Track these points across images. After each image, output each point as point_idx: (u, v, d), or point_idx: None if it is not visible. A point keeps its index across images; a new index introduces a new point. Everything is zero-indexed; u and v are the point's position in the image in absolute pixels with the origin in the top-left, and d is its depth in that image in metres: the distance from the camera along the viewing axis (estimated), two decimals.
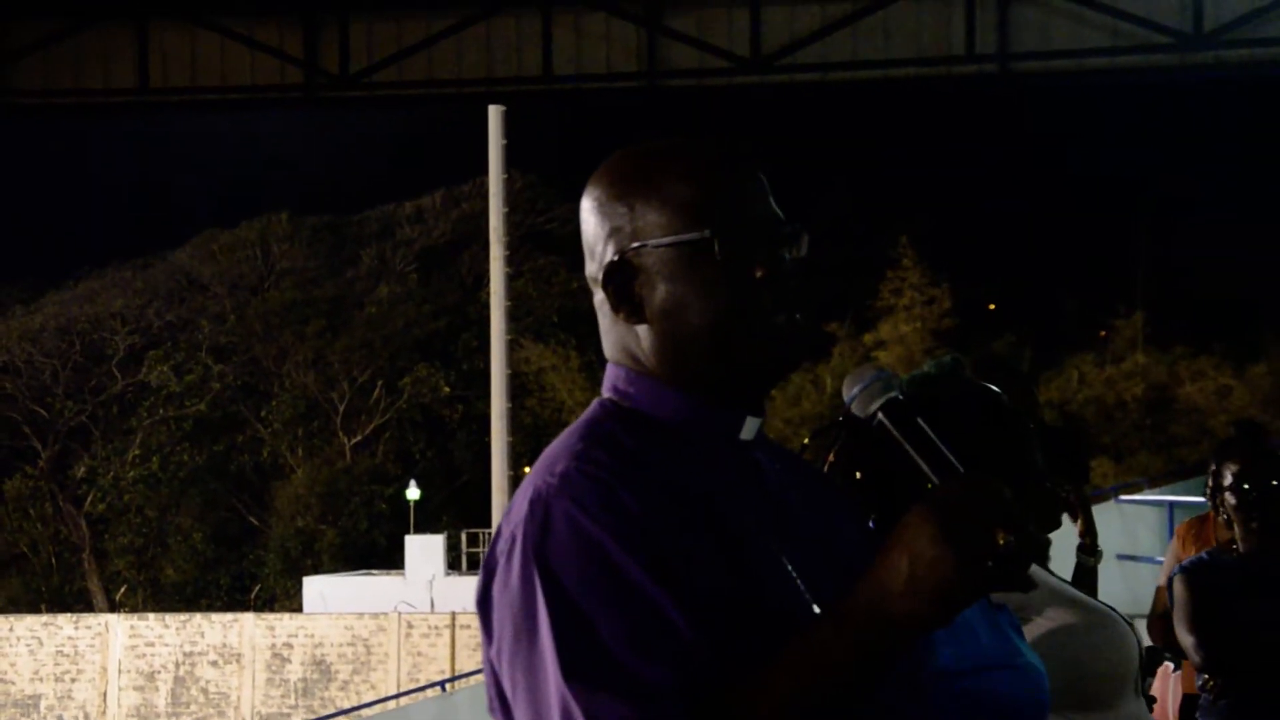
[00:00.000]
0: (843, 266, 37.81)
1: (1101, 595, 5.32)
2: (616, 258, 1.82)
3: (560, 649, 1.64)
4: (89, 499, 43.96)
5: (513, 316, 25.04)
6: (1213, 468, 5.01)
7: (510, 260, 24.61)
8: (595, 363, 40.27)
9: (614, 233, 1.83)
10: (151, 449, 43.79)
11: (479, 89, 13.64)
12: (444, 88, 13.51)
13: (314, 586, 36.01)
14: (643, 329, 1.81)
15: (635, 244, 1.81)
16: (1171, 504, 12.85)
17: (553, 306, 43.97)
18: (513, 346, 25.67)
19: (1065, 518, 3.65)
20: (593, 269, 1.86)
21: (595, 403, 1.86)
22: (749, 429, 1.84)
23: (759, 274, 1.79)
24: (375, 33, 13.47)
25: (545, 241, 44.84)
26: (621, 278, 1.82)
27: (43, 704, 33.21)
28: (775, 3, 12.93)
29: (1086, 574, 4.06)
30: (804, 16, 12.92)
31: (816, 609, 1.74)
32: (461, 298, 44.81)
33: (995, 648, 2.44)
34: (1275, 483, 4.30)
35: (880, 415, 1.77)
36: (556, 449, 1.78)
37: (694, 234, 1.79)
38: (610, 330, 1.86)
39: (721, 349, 1.79)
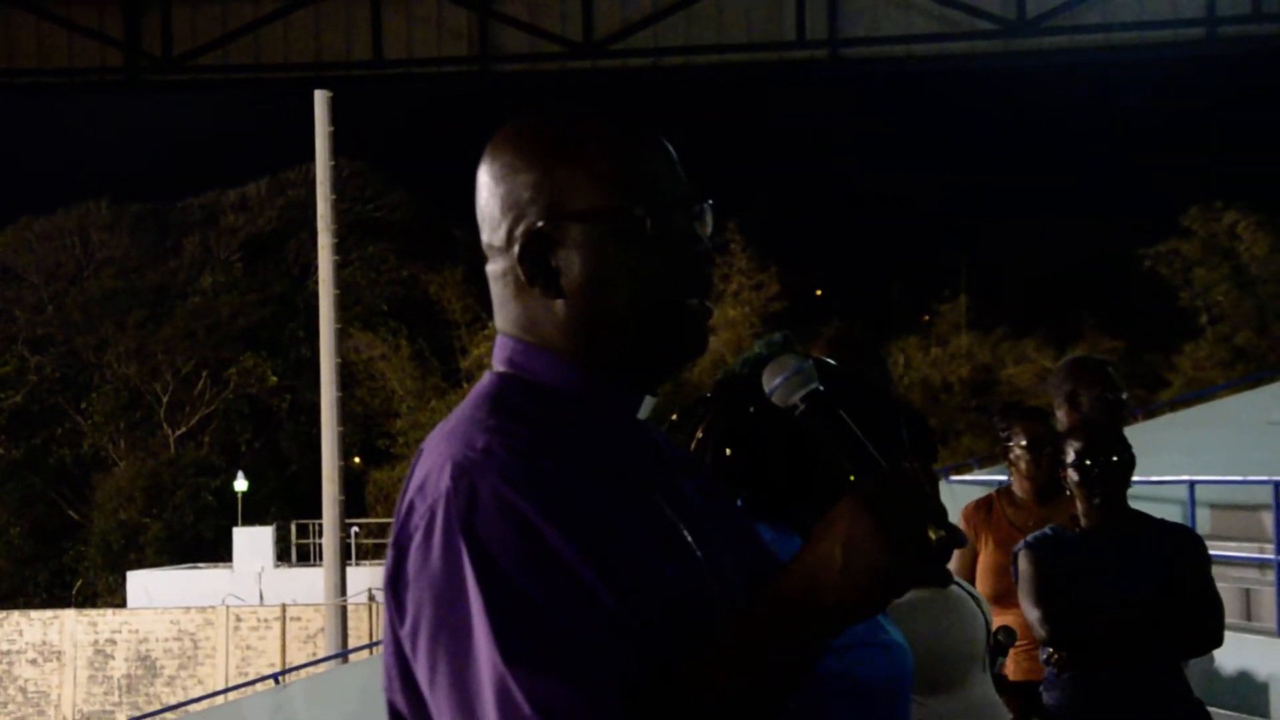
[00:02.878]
0: None
1: None
2: (536, 227, 1.75)
3: (495, 630, 1.58)
4: None
5: (341, 305, 24.78)
6: (1014, 440, 5.12)
7: (338, 248, 24.34)
8: (425, 351, 40.03)
9: (529, 203, 1.75)
10: None
11: (307, 73, 13.42)
12: (271, 72, 13.28)
13: (138, 581, 35.35)
14: (557, 303, 1.75)
15: (556, 214, 1.74)
16: (1000, 484, 13.08)
17: (382, 295, 43.59)
18: (342, 335, 25.41)
19: None
20: (496, 238, 1.79)
21: (490, 376, 1.80)
22: (645, 408, 1.81)
23: (678, 252, 1.76)
24: (200, 15, 13.20)
25: (374, 229, 44.45)
26: (539, 250, 1.75)
27: None
28: None
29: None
30: (636, 1, 12.93)
31: (716, 586, 1.73)
32: (289, 286, 44.26)
33: (860, 626, 2.43)
34: (1116, 459, 4.38)
35: (803, 407, 1.75)
36: (463, 424, 1.72)
37: (624, 208, 1.74)
38: (510, 302, 1.79)
39: (639, 327, 1.75)
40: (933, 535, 1.59)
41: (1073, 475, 4.40)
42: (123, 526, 41.47)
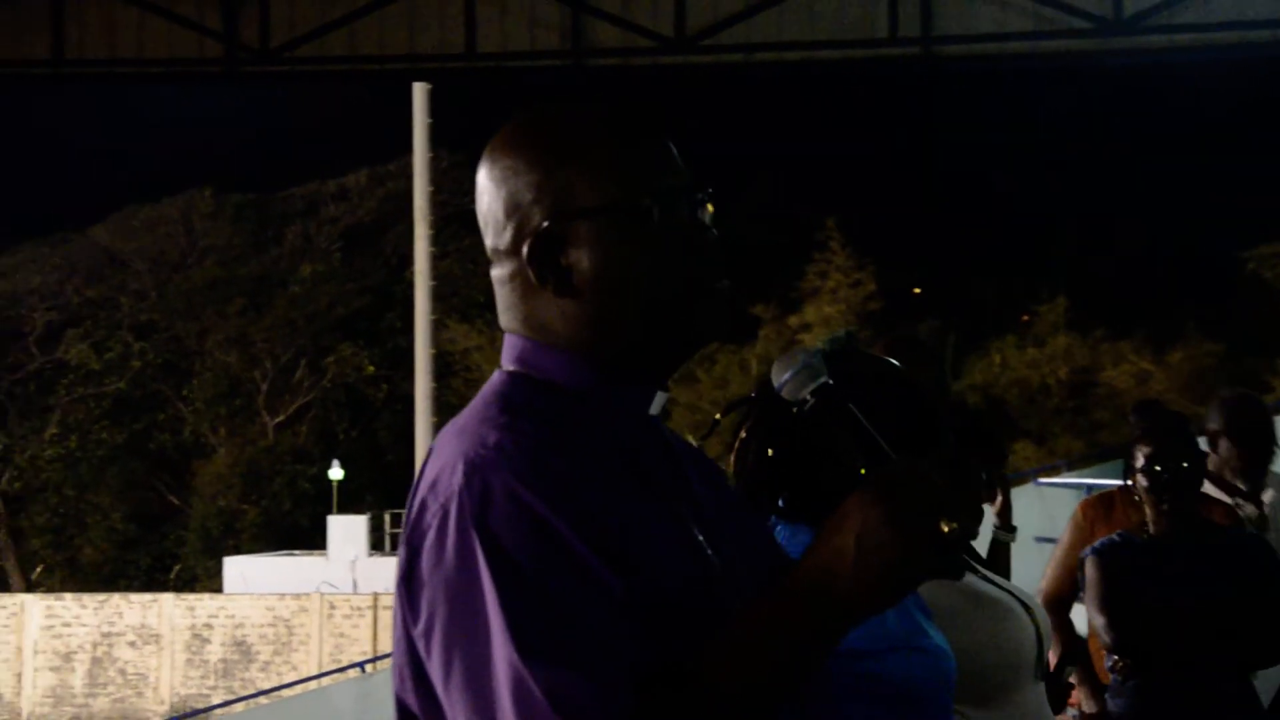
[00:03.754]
0: (769, 249, 37.90)
1: (1018, 577, 5.32)
2: (544, 228, 1.75)
3: (511, 625, 1.58)
4: (4, 478, 43.47)
5: (438, 296, 24.92)
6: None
7: (435, 240, 24.47)
8: None
9: (533, 203, 1.76)
10: (70, 427, 43.35)
11: (401, 65, 13.50)
12: (366, 64, 13.38)
13: (235, 567, 35.78)
14: (567, 302, 1.75)
15: (562, 214, 1.74)
16: (1090, 487, 12.96)
17: (478, 286, 43.77)
18: (438, 326, 25.55)
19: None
20: (501, 242, 1.79)
21: (500, 375, 1.80)
22: (657, 403, 1.81)
23: (687, 241, 1.76)
24: (297, 7, 13.31)
25: (471, 221, 44.33)
26: (548, 249, 1.75)
27: None
28: None
29: (1001, 550, 4.05)
30: None
31: (727, 580, 1.73)
32: (386, 277, 44.56)
33: (901, 629, 2.42)
34: (1186, 465, 4.32)
35: (813, 400, 1.74)
36: (474, 421, 1.72)
37: (630, 202, 1.74)
38: (519, 303, 1.79)
39: (654, 319, 1.75)
40: (945, 527, 1.59)
41: (1141, 481, 4.34)
42: (221, 513, 41.96)
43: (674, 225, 1.75)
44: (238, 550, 39.02)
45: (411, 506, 1.70)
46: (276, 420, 43.65)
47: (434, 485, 1.68)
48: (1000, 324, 39.02)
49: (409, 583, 1.68)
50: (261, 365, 43.84)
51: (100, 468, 43.39)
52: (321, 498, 41.50)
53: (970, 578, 2.95)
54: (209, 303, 44.62)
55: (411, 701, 1.70)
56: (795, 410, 1.78)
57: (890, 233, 41.36)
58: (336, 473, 41.35)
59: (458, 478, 1.66)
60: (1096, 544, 4.40)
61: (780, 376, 1.77)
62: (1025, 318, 39.44)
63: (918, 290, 44.75)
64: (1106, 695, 4.38)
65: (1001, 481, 4.24)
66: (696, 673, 1.61)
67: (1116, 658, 4.31)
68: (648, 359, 1.78)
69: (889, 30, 12.89)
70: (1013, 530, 4.07)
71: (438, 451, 1.71)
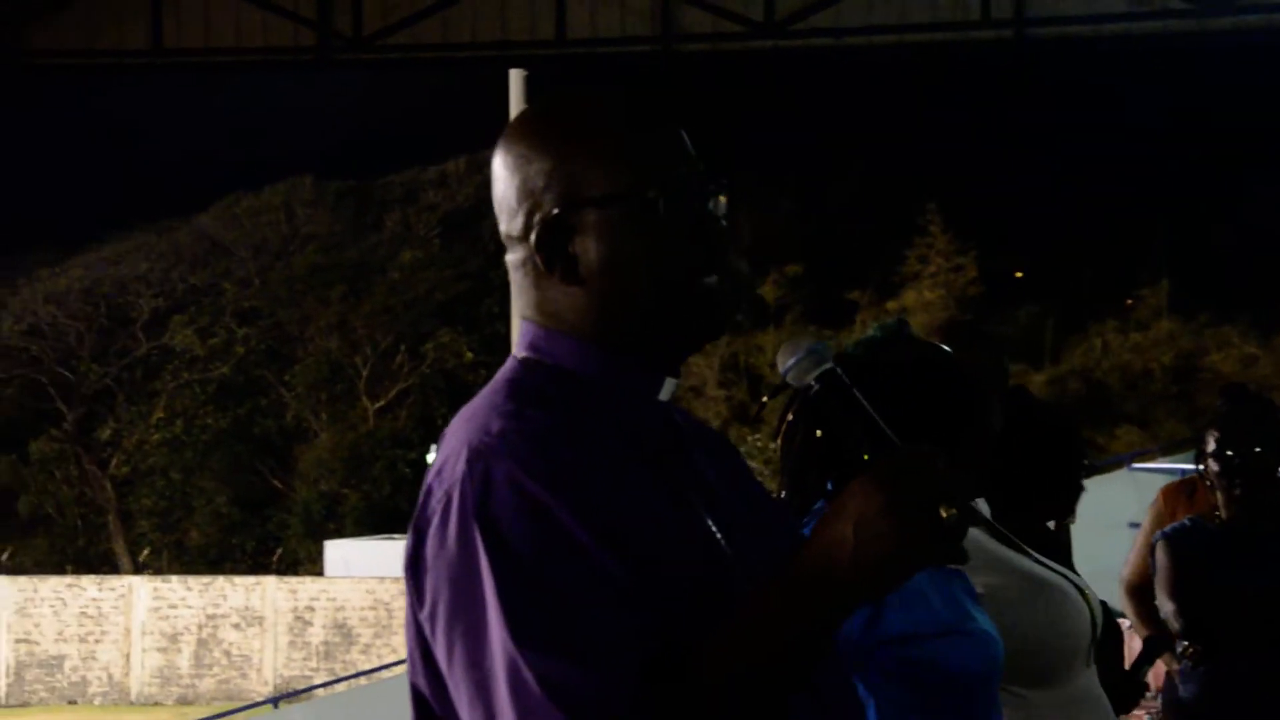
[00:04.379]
0: (866, 234, 37.69)
1: (1111, 562, 5.28)
2: (552, 215, 1.77)
3: (508, 613, 1.60)
4: (114, 461, 44.14)
5: None
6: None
7: None
8: None
9: (544, 190, 1.78)
10: (176, 412, 43.92)
11: (493, 53, 13.60)
12: (457, 51, 13.48)
13: (336, 550, 36.14)
14: (575, 289, 1.77)
15: (571, 201, 1.76)
16: (1183, 472, 12.78)
17: None
18: None
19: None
20: (513, 228, 1.81)
21: (512, 360, 1.83)
22: (666, 390, 1.82)
23: (694, 231, 1.76)
24: None
25: None
26: (556, 236, 1.77)
27: (67, 665, 33.42)
28: None
29: (1061, 538, 4.01)
30: None
31: (739, 567, 1.73)
32: (484, 263, 44.74)
33: (947, 614, 2.42)
34: (1258, 449, 4.26)
35: (816, 387, 1.75)
36: (482, 408, 1.74)
37: (637, 192, 1.75)
38: (531, 289, 1.81)
39: (659, 308, 1.76)
40: (944, 514, 1.59)
41: (1213, 466, 4.30)
42: (323, 497, 42.38)
43: (680, 216, 1.75)
44: (339, 534, 39.40)
45: (421, 492, 1.74)
46: (377, 405, 43.99)
47: (440, 472, 1.71)
48: (1102, 308, 38.58)
49: (415, 568, 1.70)
50: (362, 351, 44.18)
51: (205, 452, 43.93)
52: (421, 482, 41.68)
53: (1021, 559, 2.94)
54: (310, 289, 45.02)
55: (422, 685, 1.72)
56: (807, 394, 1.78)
57: (991, 216, 40.98)
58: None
59: (461, 465, 1.68)
60: (1167, 529, 4.36)
61: (785, 362, 1.77)
62: (1128, 302, 38.98)
63: (1019, 274, 44.33)
64: (1176, 680, 4.34)
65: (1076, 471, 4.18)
66: (699, 661, 1.61)
67: (1186, 643, 4.27)
68: (654, 347, 1.78)
69: (981, 12, 12.80)
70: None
71: (447, 438, 1.74)
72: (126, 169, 48.47)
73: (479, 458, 1.67)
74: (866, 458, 1.68)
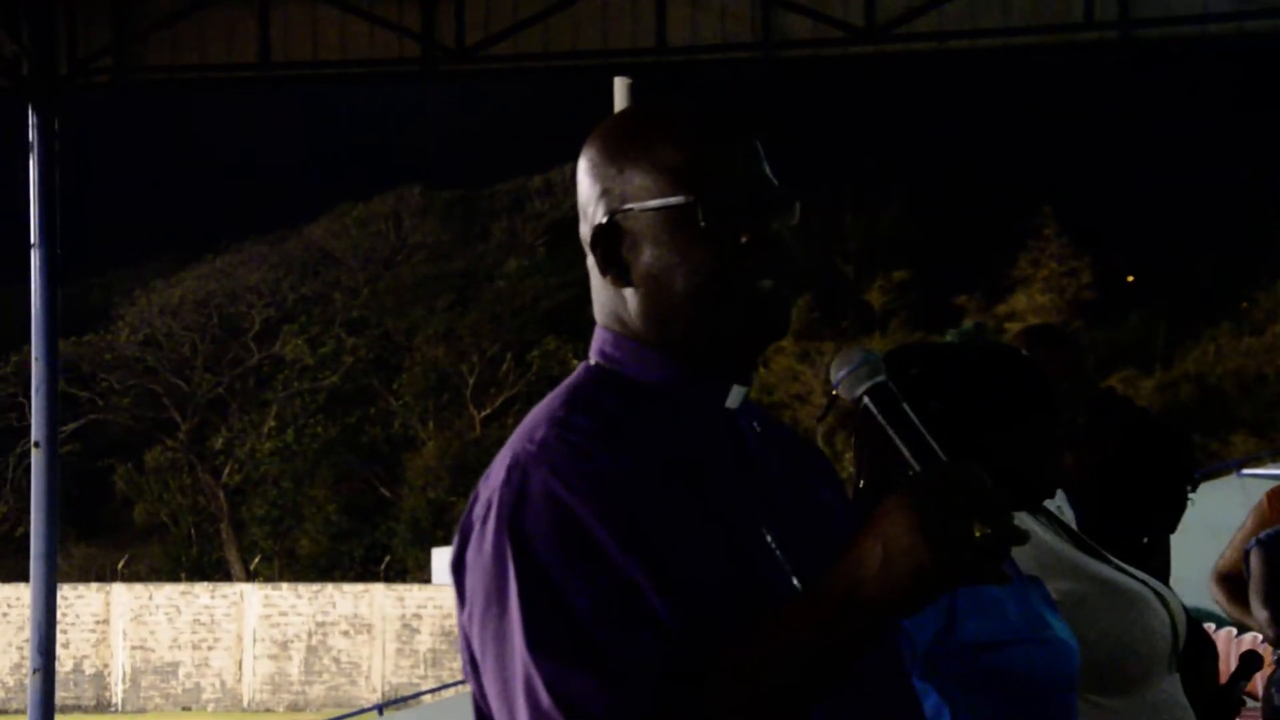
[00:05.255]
0: (973, 238, 37.42)
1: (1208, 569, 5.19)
2: (605, 220, 1.81)
3: (527, 622, 1.63)
4: (226, 470, 44.73)
5: None
6: None
7: None
8: None
9: (604, 195, 1.82)
10: (286, 421, 44.45)
11: (593, 61, 13.63)
12: (559, 60, 13.53)
13: (443, 558, 36.38)
14: (629, 292, 1.81)
15: (623, 207, 1.80)
16: None
17: None
18: None
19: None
20: (583, 231, 1.86)
21: (581, 366, 1.86)
22: (734, 397, 1.82)
23: (744, 240, 1.77)
24: (492, 5, 13.51)
25: None
26: (609, 240, 1.81)
27: (181, 671, 33.90)
28: None
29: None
30: None
31: (797, 583, 1.73)
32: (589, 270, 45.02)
33: (1022, 621, 2.40)
34: None
35: (866, 400, 1.74)
36: (539, 413, 1.78)
37: (677, 198, 1.77)
38: (599, 293, 1.85)
39: (702, 315, 1.78)
40: (978, 532, 1.56)
41: None
42: (430, 504, 42.70)
43: (722, 225, 1.77)
44: (446, 541, 39.60)
45: (474, 495, 1.76)
46: (483, 413, 44.27)
47: (487, 477, 1.75)
48: (1215, 312, 38.05)
49: (458, 571, 1.74)
50: (468, 359, 44.49)
51: (315, 461, 44.41)
52: None
53: (1099, 565, 2.90)
54: (418, 298, 45.42)
55: (472, 686, 1.76)
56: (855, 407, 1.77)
57: (1104, 219, 40.56)
58: None
59: (501, 473, 1.71)
60: (1262, 535, 4.29)
61: (837, 374, 1.76)
62: (1243, 305, 38.44)
63: (1131, 279, 43.84)
64: (1271, 688, 4.27)
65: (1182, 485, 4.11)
66: (722, 673, 1.61)
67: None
68: (707, 351, 1.80)
69: (1084, 14, 12.64)
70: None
71: (509, 442, 1.77)
72: (238, 182, 49.16)
73: (517, 465, 1.71)
74: (912, 474, 1.66)
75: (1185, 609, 2.94)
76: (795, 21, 12.99)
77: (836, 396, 1.78)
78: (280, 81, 14.79)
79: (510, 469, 1.71)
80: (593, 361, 1.85)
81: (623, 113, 1.91)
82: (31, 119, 13.79)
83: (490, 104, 44.21)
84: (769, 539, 1.75)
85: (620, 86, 23.16)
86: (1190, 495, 3.87)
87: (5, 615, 33.49)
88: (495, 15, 13.64)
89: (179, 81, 14.83)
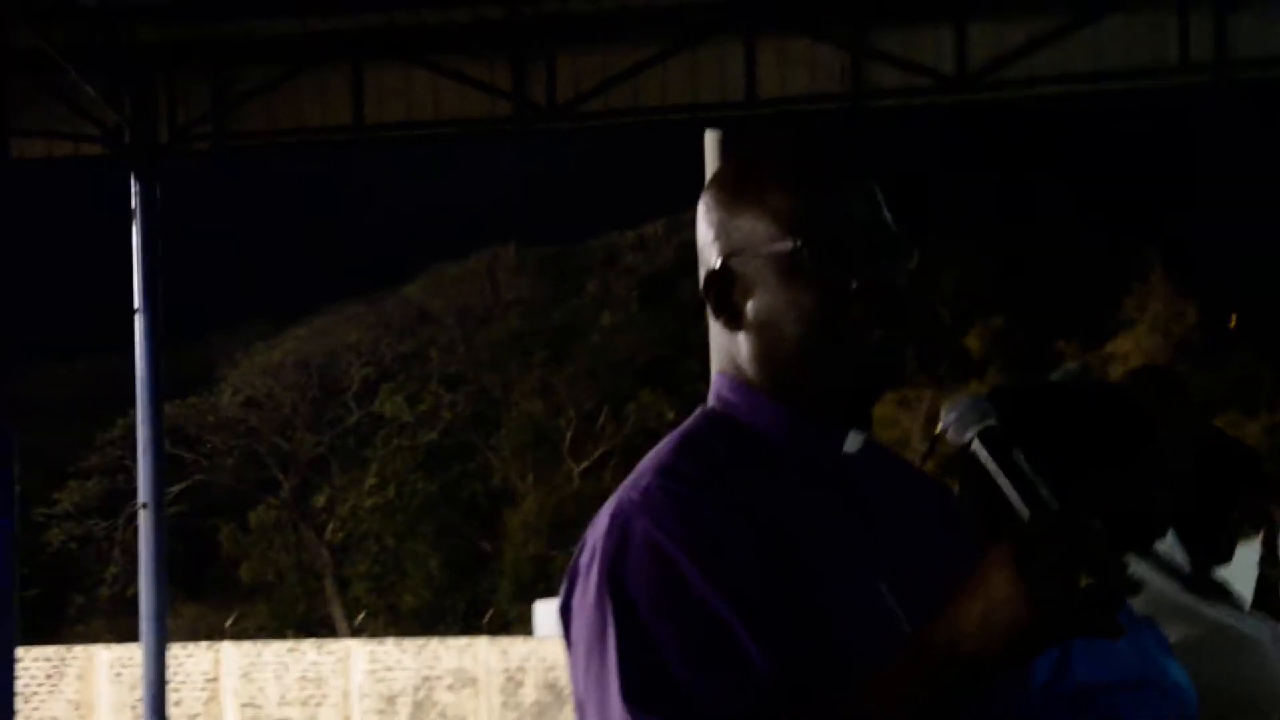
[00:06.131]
0: (1073, 281, 37.10)
1: None
2: (718, 265, 1.82)
3: (622, 669, 1.65)
4: (329, 528, 45.04)
5: None
6: None
7: None
8: None
9: (717, 240, 1.84)
10: (387, 478, 44.72)
11: (683, 116, 13.72)
12: (649, 115, 13.63)
13: (545, 610, 36.39)
14: (742, 337, 1.82)
15: (735, 252, 1.81)
16: None
17: None
18: None
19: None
20: (701, 275, 1.88)
21: (698, 410, 1.87)
22: (852, 442, 1.82)
23: (854, 286, 1.77)
24: (581, 63, 13.64)
25: None
26: (722, 285, 1.82)
27: None
28: (982, 19, 12.77)
29: (1269, 586, 3.90)
30: (1011, 32, 12.73)
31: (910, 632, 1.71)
32: (683, 324, 44.98)
33: (1138, 665, 2.38)
34: None
35: (975, 443, 1.74)
36: (649, 460, 1.80)
37: (786, 243, 1.78)
38: (716, 337, 1.87)
39: (811, 362, 1.78)
40: (1082, 584, 1.54)
41: None
42: (531, 558, 42.75)
43: (833, 271, 1.77)
44: (548, 594, 39.68)
45: (582, 542, 1.79)
46: (581, 467, 44.31)
47: (594, 524, 1.77)
48: None
49: (565, 615, 1.77)
50: (565, 413, 44.59)
51: (416, 516, 44.60)
52: None
53: (1215, 610, 2.87)
54: (514, 354, 45.63)
55: None
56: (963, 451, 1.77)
57: (1211, 261, 40.08)
58: None
59: (605, 520, 1.73)
60: None
61: (946, 418, 1.76)
62: None
63: (1234, 323, 43.24)
64: None
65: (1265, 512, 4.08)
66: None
67: None
68: (816, 398, 1.80)
69: (1179, 56, 12.55)
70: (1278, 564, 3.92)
71: (619, 487, 1.80)
72: (335, 243, 49.70)
73: (621, 513, 1.72)
74: (1019, 521, 1.64)
75: None
76: (885, 71, 13.01)
77: (938, 439, 1.77)
78: (374, 143, 14.99)
79: (614, 517, 1.72)
80: (710, 405, 1.86)
81: (738, 157, 1.93)
82: (134, 187, 14.03)
83: (582, 160, 44.51)
84: (882, 588, 1.74)
85: (711, 139, 23.28)
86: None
87: (119, 675, 33.82)
88: (585, 73, 13.77)
89: (276, 145, 15.07)
